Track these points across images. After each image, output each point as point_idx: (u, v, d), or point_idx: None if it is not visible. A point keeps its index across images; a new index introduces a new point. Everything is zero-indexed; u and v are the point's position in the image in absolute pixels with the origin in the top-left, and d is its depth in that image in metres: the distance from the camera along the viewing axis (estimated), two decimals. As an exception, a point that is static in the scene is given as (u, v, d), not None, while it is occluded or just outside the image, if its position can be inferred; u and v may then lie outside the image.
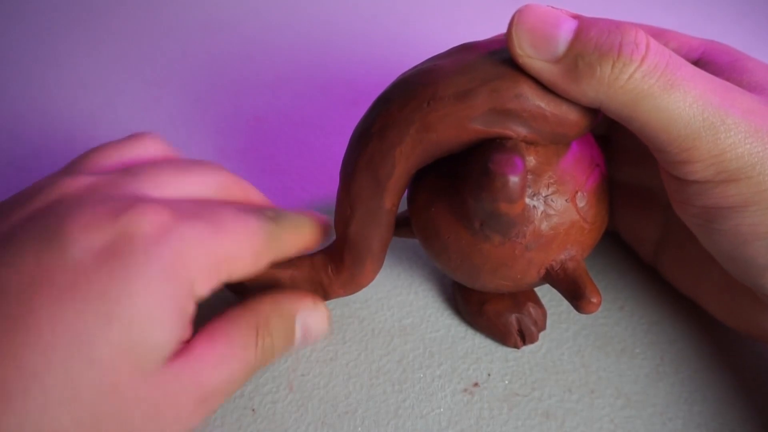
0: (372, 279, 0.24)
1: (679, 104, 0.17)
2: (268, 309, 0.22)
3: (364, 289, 0.27)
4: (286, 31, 0.42)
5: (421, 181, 0.22)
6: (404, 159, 0.20)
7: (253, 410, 0.23)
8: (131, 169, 0.21)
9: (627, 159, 0.25)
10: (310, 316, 0.23)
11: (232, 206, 0.21)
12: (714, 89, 0.18)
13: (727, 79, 0.19)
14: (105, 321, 0.17)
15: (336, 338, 0.25)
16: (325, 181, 0.32)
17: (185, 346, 0.19)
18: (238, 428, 0.22)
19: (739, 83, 0.19)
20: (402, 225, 0.25)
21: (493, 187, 0.18)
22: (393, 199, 0.21)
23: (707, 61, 0.21)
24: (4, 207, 0.20)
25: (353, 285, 0.24)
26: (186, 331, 0.19)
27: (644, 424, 0.22)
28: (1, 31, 0.42)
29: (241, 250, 0.20)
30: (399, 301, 0.26)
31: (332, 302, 0.26)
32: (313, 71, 0.39)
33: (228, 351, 0.20)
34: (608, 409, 0.23)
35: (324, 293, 0.24)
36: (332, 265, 0.23)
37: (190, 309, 0.19)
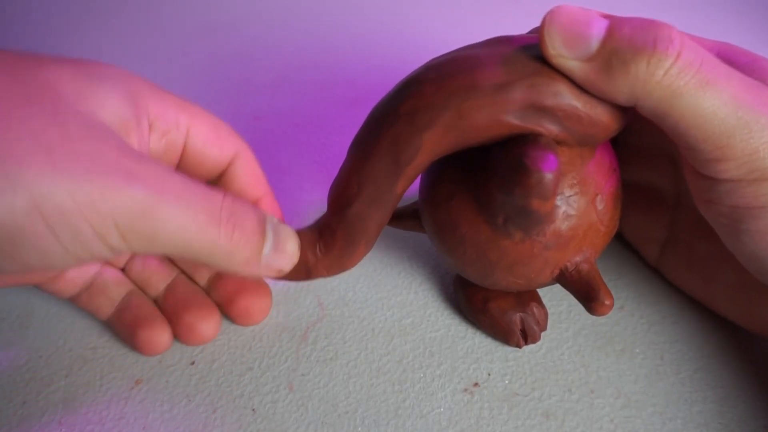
0: (358, 262, 0.23)
1: (714, 102, 0.17)
2: (239, 195, 0.22)
3: (364, 289, 0.27)
4: (286, 31, 0.42)
5: (441, 171, 0.22)
6: (431, 144, 0.20)
7: (253, 410, 0.23)
8: None
9: (634, 159, 0.25)
10: (281, 226, 0.21)
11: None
12: (747, 88, 0.18)
13: None
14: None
15: (336, 338, 0.25)
16: (325, 181, 0.32)
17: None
18: (238, 428, 0.22)
19: (762, 82, 0.19)
20: (407, 217, 0.25)
21: (527, 183, 0.18)
22: (405, 184, 0.21)
23: (725, 61, 0.21)
24: None
25: (339, 266, 0.23)
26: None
27: (644, 424, 0.22)
28: (2, 31, 0.42)
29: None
30: (399, 301, 0.26)
31: (332, 302, 0.26)
32: (313, 71, 0.39)
33: (186, 200, 0.18)
34: (608, 409, 0.23)
35: (307, 272, 0.23)
36: (321, 243, 0.22)
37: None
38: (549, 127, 0.19)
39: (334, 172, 0.32)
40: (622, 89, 0.18)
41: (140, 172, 0.18)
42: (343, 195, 0.21)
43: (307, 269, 0.22)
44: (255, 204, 0.23)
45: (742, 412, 0.22)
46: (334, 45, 0.41)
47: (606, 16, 0.18)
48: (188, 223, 0.18)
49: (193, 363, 0.24)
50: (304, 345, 0.25)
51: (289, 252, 0.21)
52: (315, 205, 0.30)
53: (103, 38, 0.42)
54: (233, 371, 0.24)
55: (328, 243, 0.22)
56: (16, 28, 0.42)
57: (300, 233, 0.22)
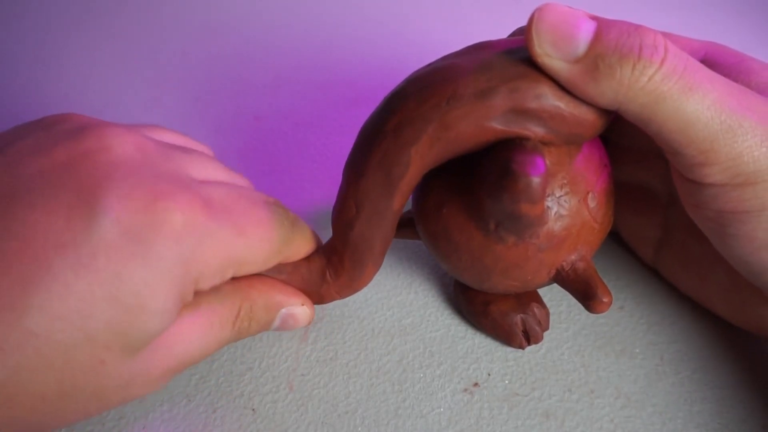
0: (369, 281, 0.23)
1: (697, 107, 0.17)
2: (257, 296, 0.22)
3: (364, 289, 0.27)
4: (286, 31, 0.42)
5: (430, 181, 0.22)
6: (420, 158, 0.20)
7: (253, 410, 0.23)
8: (176, 146, 0.21)
9: (626, 159, 0.25)
10: (294, 312, 0.23)
11: (262, 200, 0.21)
12: (731, 93, 0.18)
13: (734, 80, 0.20)
14: (112, 304, 0.17)
15: (336, 338, 0.25)
16: (325, 181, 0.32)
17: None
18: (238, 428, 0.22)
19: (747, 84, 0.19)
20: (403, 226, 0.25)
21: (515, 188, 0.18)
22: (402, 200, 0.21)
23: (712, 62, 0.21)
24: (31, 132, 0.19)
25: (350, 289, 0.23)
26: (175, 316, 0.19)
27: (644, 424, 0.22)
28: (1, 31, 0.42)
29: (255, 256, 0.20)
30: (399, 301, 0.26)
31: (332, 302, 0.26)
32: (313, 71, 0.39)
33: (208, 329, 0.21)
34: (608, 409, 0.23)
35: (319, 298, 0.23)
36: (331, 269, 0.23)
37: (189, 298, 0.19)
38: (534, 130, 0.19)
39: (334, 172, 0.32)
40: (607, 93, 0.18)
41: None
42: (344, 218, 0.22)
43: (320, 295, 0.23)
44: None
45: (741, 412, 0.22)
46: (334, 45, 0.41)
47: (593, 17, 0.18)
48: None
49: (193, 363, 0.24)
50: (304, 345, 0.25)
51: (295, 327, 0.23)
52: (315, 205, 0.30)
53: (103, 38, 0.42)
54: (233, 371, 0.24)
55: (336, 268, 0.22)
56: (16, 28, 0.42)
57: (309, 260, 0.23)
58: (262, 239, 0.20)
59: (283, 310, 0.23)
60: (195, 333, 0.20)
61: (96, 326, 0.17)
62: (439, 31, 0.42)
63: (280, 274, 0.23)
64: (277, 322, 0.23)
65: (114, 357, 0.18)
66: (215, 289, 0.21)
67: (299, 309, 0.23)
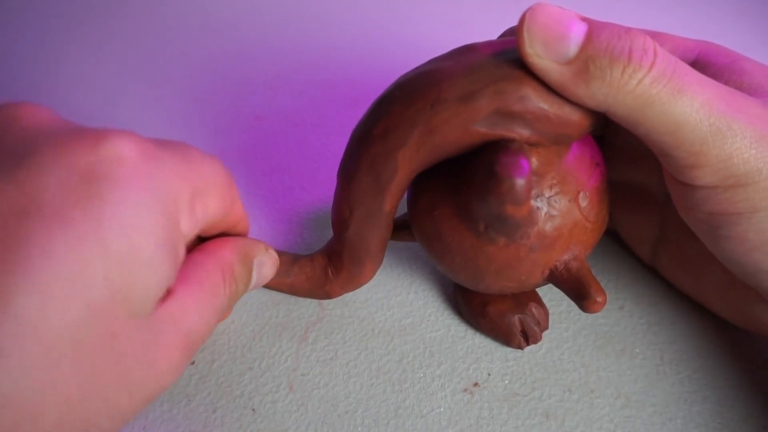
0: (371, 278, 0.24)
1: (686, 109, 0.17)
2: (230, 256, 0.21)
3: (364, 289, 0.27)
4: (286, 31, 0.42)
5: (422, 184, 0.22)
6: (407, 162, 0.20)
7: (253, 410, 0.23)
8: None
9: (621, 158, 0.25)
10: (264, 262, 0.23)
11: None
12: (720, 95, 0.18)
13: (726, 81, 0.20)
14: (102, 257, 0.15)
15: (336, 338, 0.25)
16: (325, 181, 0.32)
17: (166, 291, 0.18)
18: (238, 428, 0.22)
19: (739, 85, 0.19)
20: (401, 228, 0.25)
21: (499, 190, 0.18)
22: (393, 201, 0.21)
23: (705, 62, 0.21)
24: None
25: (352, 285, 0.24)
26: (174, 273, 0.18)
27: (644, 424, 0.22)
28: (1, 31, 0.42)
29: (211, 185, 0.19)
30: (399, 301, 0.26)
31: (332, 302, 0.26)
32: (313, 71, 0.39)
33: (204, 296, 0.19)
34: (608, 409, 0.23)
35: (325, 294, 0.24)
36: (332, 267, 0.24)
37: (181, 250, 0.18)
38: (520, 131, 0.19)
39: (334, 172, 0.32)
40: (596, 95, 0.18)
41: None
42: (339, 220, 0.23)
43: (325, 292, 0.24)
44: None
45: (741, 412, 0.22)
46: (335, 45, 0.41)
47: (583, 19, 0.18)
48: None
49: (193, 363, 0.24)
50: (304, 345, 0.25)
51: (266, 277, 0.23)
52: (315, 205, 0.30)
53: (103, 38, 0.42)
54: (233, 371, 0.24)
55: (337, 266, 0.24)
56: (16, 28, 0.42)
57: (313, 258, 0.24)
58: (210, 165, 0.19)
59: (255, 260, 0.22)
60: (192, 304, 0.19)
61: (96, 293, 0.15)
62: (438, 31, 0.42)
63: (288, 275, 0.24)
64: (254, 277, 0.22)
65: (123, 326, 0.16)
66: (192, 262, 0.20)
67: (265, 255, 0.23)
